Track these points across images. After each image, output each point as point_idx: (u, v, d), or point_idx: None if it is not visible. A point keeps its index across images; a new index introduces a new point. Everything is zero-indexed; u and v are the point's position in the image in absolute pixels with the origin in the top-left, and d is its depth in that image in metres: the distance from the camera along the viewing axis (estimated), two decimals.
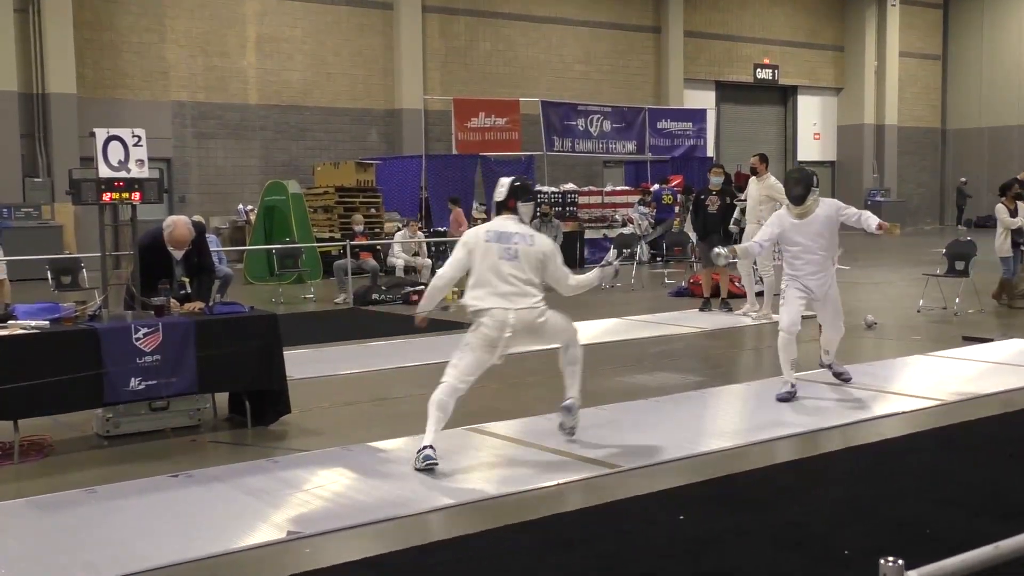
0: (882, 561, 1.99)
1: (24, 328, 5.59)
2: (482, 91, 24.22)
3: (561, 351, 5.79)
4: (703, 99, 28.75)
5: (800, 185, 6.86)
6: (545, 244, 5.61)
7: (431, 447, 5.21)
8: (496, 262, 5.43)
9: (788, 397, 6.86)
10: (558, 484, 5.01)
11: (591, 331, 10.60)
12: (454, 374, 5.39)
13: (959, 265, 11.76)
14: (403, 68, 23.86)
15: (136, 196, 5.96)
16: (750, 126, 31.55)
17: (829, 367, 7.38)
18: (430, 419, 5.28)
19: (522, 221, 5.65)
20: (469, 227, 14.77)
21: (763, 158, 11.43)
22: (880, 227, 6.80)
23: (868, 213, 7.01)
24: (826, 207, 6.93)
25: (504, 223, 5.60)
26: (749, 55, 30.89)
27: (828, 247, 6.95)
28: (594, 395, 7.10)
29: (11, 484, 5.17)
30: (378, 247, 15.81)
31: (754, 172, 11.39)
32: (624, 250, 14.99)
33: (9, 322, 5.65)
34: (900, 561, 1.98)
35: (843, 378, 7.34)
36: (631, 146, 23.32)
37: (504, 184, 5.72)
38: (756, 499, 4.77)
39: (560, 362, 5.81)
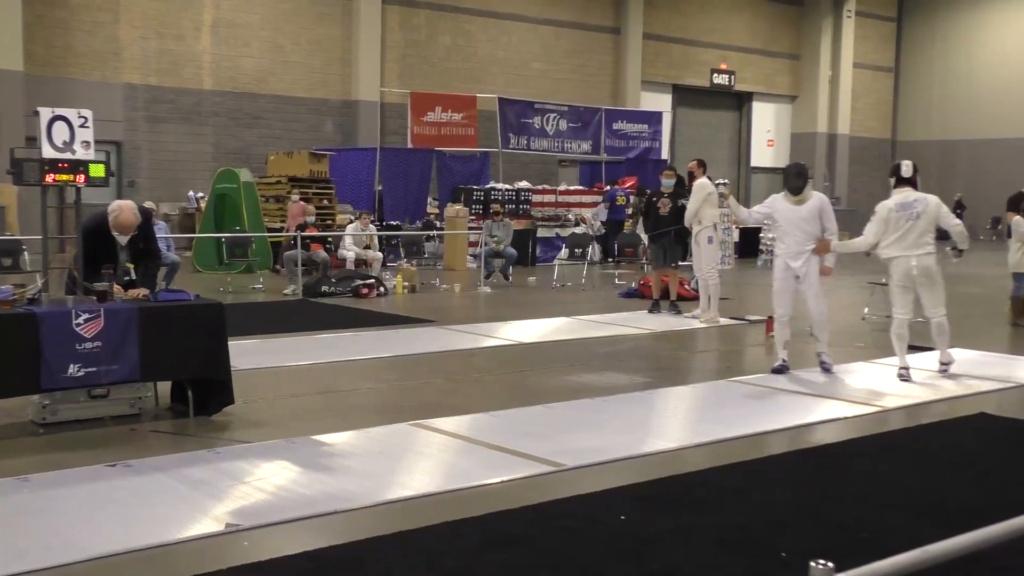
0: (813, 564, 2.02)
1: None
2: (440, 85, 24.12)
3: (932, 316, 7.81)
4: (659, 102, 28.94)
5: (799, 178, 8.03)
6: (935, 201, 7.65)
7: (907, 368, 7.76)
8: (902, 225, 7.54)
9: (781, 370, 7.98)
10: (502, 481, 5.00)
11: (540, 329, 10.64)
12: (897, 310, 7.78)
13: None
14: (361, 59, 23.69)
15: (80, 178, 5.84)
16: (705, 130, 31.85)
17: (818, 355, 8.22)
18: (897, 348, 7.82)
19: (917, 190, 7.69)
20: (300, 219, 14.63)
21: (700, 163, 11.60)
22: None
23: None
24: (817, 199, 7.98)
25: (905, 195, 7.64)
26: (707, 60, 31.18)
27: (812, 233, 7.92)
28: (541, 393, 7.14)
29: None
30: (329, 239, 15.67)
31: (691, 175, 11.49)
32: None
33: None
34: (830, 564, 2.01)
35: (825, 367, 8.14)
36: (587, 146, 23.40)
37: (908, 164, 7.82)
38: (698, 500, 4.80)
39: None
